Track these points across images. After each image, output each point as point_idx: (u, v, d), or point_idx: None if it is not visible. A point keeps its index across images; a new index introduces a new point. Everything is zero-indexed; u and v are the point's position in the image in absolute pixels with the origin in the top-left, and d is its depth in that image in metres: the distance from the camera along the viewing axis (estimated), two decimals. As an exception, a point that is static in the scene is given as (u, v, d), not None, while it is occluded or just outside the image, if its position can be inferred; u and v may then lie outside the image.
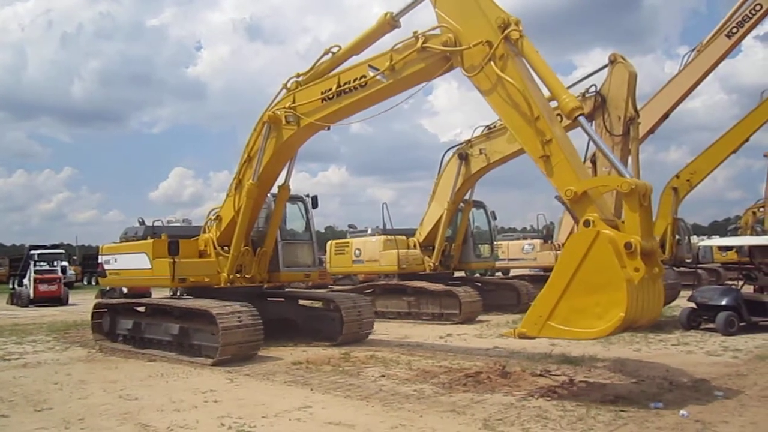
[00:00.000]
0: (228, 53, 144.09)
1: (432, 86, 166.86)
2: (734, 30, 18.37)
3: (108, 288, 24.33)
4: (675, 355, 10.60)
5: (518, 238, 23.85)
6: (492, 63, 8.38)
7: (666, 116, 19.96)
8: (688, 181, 24.66)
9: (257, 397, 8.33)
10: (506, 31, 8.29)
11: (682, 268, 25.08)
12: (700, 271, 23.65)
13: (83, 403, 8.24)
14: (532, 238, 23.21)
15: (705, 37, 19.22)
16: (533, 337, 7.73)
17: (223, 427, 6.88)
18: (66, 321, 19.20)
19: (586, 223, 7.24)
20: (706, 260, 28.28)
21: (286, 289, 15.42)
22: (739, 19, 18.42)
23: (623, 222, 7.59)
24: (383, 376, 9.41)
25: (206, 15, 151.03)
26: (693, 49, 19.35)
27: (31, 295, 25.94)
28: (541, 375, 8.98)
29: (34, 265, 27.29)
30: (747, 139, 22.86)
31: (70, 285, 37.60)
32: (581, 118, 8.00)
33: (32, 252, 38.64)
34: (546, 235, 22.26)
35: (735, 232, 28.42)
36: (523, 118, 8.17)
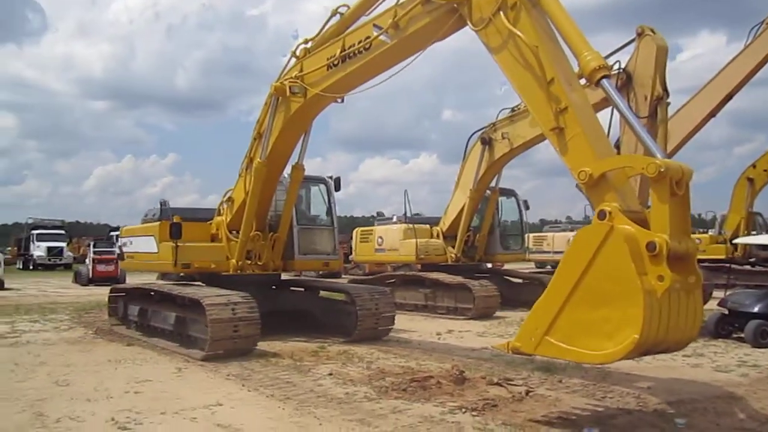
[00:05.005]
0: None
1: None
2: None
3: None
4: (675, 368, 9.24)
5: (565, 230, 22.34)
6: (502, 14, 7.07)
7: (729, 97, 17.85)
8: (765, 171, 22.34)
9: (181, 391, 7.91)
10: None
11: (758, 268, 22.78)
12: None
13: (15, 387, 8.13)
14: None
15: (777, 8, 16.99)
16: (529, 354, 6.38)
17: (110, 422, 6.50)
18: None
19: (601, 215, 5.70)
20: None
21: (303, 279, 14.84)
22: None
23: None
24: (331, 374, 8.73)
25: (304, 4, 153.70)
26: (762, 22, 17.13)
27: (91, 274, 27.01)
28: (497, 384, 7.98)
29: (95, 246, 28.45)
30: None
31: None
32: (605, 82, 6.38)
33: (32, 231, 42.29)
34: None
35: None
36: (536, 81, 6.74)
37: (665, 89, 12.23)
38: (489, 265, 19.94)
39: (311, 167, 12.72)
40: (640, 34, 12.38)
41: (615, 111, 12.05)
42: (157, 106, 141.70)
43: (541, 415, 6.65)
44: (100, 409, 6.97)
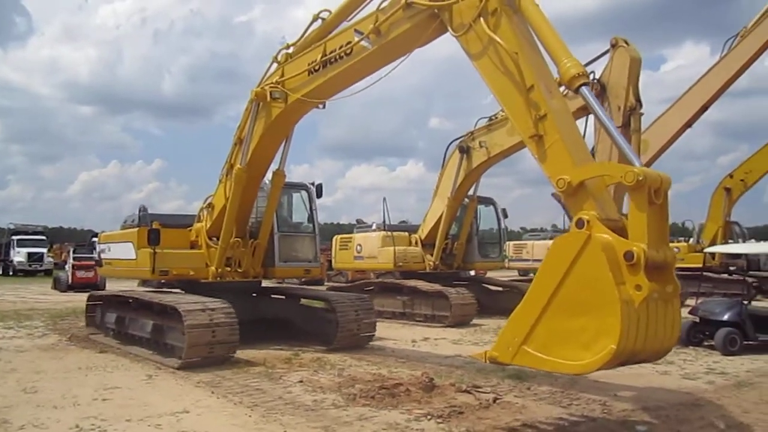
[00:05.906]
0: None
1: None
2: (784, 11, 16.32)
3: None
4: (644, 376, 9.30)
5: (545, 238, 22.47)
6: (482, 20, 7.02)
7: (705, 108, 18.11)
8: (742, 180, 22.65)
9: (150, 398, 7.87)
10: None
11: (734, 276, 22.98)
12: (750, 279, 21.46)
13: (-19, 394, 8.06)
14: (559, 239, 21.76)
15: (750, 21, 17.24)
16: (506, 364, 6.23)
17: (74, 429, 6.48)
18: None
19: (579, 223, 5.61)
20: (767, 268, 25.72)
21: (285, 287, 14.68)
22: (791, -2, 16.37)
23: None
24: (301, 381, 8.74)
25: (291, 11, 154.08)
26: (736, 35, 17.41)
27: (70, 281, 26.72)
28: (466, 391, 8.04)
29: (74, 252, 28.20)
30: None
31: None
32: (584, 90, 6.32)
33: (12, 237, 42.21)
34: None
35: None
36: (515, 87, 6.67)
37: (638, 100, 12.42)
38: (472, 273, 20.04)
39: (298, 174, 12.81)
40: (614, 46, 12.57)
41: (590, 120, 12.32)
42: (143, 112, 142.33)
43: (504, 423, 6.71)
44: (66, 417, 6.94)
